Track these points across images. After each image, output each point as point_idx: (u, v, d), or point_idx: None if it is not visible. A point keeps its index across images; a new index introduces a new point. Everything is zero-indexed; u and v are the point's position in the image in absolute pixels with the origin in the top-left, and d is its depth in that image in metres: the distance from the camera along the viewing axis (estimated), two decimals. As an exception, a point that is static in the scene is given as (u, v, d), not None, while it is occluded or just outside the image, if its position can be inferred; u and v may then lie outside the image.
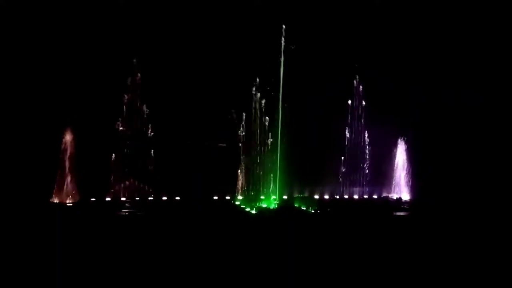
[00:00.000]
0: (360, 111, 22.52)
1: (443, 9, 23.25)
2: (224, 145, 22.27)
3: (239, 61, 22.40)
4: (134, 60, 21.68)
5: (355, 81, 22.68)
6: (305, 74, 22.60)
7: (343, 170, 22.04)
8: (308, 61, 22.65)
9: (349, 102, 22.60)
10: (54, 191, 19.91)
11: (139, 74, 21.79)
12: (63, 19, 21.92)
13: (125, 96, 21.59)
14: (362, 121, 22.48)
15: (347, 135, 22.45)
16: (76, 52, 21.65)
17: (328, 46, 23.04)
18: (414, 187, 21.10)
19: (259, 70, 22.36)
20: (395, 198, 21.07)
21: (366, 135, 22.29)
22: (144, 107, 21.73)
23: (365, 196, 21.30)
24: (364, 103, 22.44)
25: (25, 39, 21.51)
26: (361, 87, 22.62)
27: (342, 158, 22.17)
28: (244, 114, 21.98)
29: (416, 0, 23.49)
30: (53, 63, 21.48)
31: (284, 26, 22.23)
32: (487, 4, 22.98)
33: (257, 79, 22.09)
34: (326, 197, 21.12)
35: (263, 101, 22.00)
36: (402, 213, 19.20)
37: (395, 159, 21.26)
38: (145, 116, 21.73)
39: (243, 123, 21.94)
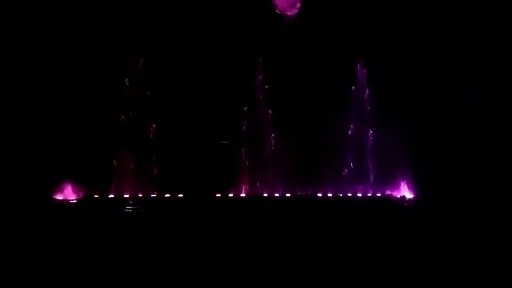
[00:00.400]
0: (363, 108, 22.53)
1: (443, 9, 23.33)
2: (227, 142, 22.29)
3: (238, 58, 22.46)
4: (130, 59, 21.67)
5: (358, 68, 22.69)
6: (305, 73, 22.71)
7: (346, 168, 22.07)
8: (308, 60, 22.77)
9: (353, 88, 22.59)
10: (57, 188, 19.88)
11: (139, 72, 21.81)
12: (62, 18, 21.92)
13: (126, 94, 21.59)
14: (366, 116, 22.51)
15: (350, 132, 22.49)
16: (76, 52, 21.67)
17: (328, 46, 23.07)
18: (417, 185, 21.10)
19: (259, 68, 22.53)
20: (398, 196, 21.09)
21: (370, 133, 22.26)
22: (146, 105, 21.73)
23: (369, 194, 21.32)
24: (367, 94, 22.39)
25: (25, 38, 21.50)
26: (364, 71, 22.62)
27: (345, 155, 22.19)
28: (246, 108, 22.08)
29: (416, 0, 23.57)
30: (54, 62, 21.48)
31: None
32: (487, 4, 23.06)
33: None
34: (330, 195, 21.15)
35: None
36: (404, 212, 19.26)
37: (397, 158, 21.19)
38: (147, 114, 21.75)
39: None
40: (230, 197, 20.69)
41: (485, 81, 22.99)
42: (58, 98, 21.53)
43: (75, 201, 19.48)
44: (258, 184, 21.52)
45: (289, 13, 23.03)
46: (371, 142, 22.44)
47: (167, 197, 20.49)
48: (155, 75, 21.97)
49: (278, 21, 23.17)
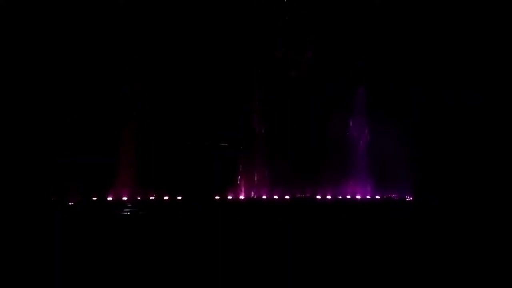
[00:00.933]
0: (362, 108, 22.48)
1: (443, 9, 23.25)
2: (226, 144, 22.21)
3: (238, 58, 22.42)
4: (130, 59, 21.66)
5: (358, 68, 22.65)
6: (304, 73, 22.67)
7: (345, 169, 22.00)
8: (308, 60, 22.75)
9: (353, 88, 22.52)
10: (56, 189, 19.86)
11: (139, 72, 21.79)
12: (62, 18, 21.84)
13: (126, 94, 21.56)
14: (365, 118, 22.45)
15: (349, 133, 22.41)
16: (76, 52, 21.58)
17: (328, 45, 23.03)
18: (417, 187, 21.06)
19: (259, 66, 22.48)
20: (398, 198, 21.06)
21: (369, 134, 22.18)
22: (146, 105, 21.73)
23: (368, 197, 21.27)
24: (367, 94, 22.37)
25: (25, 38, 21.41)
26: (364, 71, 22.58)
27: (344, 156, 22.11)
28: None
29: (416, 0, 23.49)
30: (54, 62, 21.40)
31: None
32: (487, 4, 22.97)
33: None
34: (329, 197, 21.12)
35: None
36: (405, 214, 19.25)
37: (397, 158, 21.12)
38: (146, 114, 21.75)
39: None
40: (229, 199, 20.66)
41: (485, 81, 22.88)
42: (58, 98, 21.45)
43: (72, 203, 19.44)
44: (253, 194, 21.46)
45: None
46: (370, 142, 22.36)
47: (165, 199, 20.45)
48: (155, 75, 21.95)
49: (278, 20, 23.08)
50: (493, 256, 12.08)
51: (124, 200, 20.13)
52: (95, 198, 20.00)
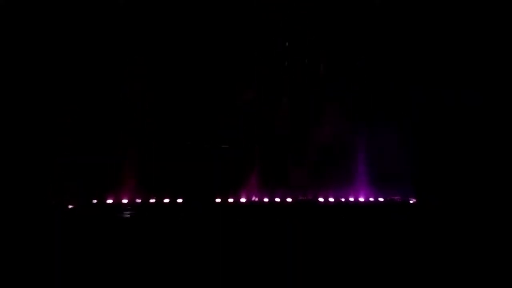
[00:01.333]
0: (362, 108, 22.43)
1: (443, 9, 23.24)
2: (227, 146, 22.16)
3: (237, 58, 22.39)
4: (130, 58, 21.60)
5: (358, 68, 22.61)
6: (305, 73, 22.66)
7: (346, 170, 21.96)
8: (308, 60, 22.73)
9: (353, 88, 22.48)
10: (55, 191, 19.80)
11: (139, 71, 21.73)
12: (62, 17, 21.75)
13: (126, 94, 21.52)
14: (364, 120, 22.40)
15: (349, 133, 22.34)
16: (76, 52, 21.48)
17: (327, 45, 23.01)
18: (418, 187, 21.07)
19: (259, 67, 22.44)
20: (401, 200, 21.05)
21: (369, 134, 22.13)
22: (146, 104, 21.69)
23: (371, 199, 21.25)
24: (366, 93, 22.34)
25: (25, 38, 21.30)
26: (364, 71, 22.55)
27: (345, 157, 22.07)
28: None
29: (416, 0, 23.48)
30: (54, 62, 21.33)
31: None
32: (487, 4, 22.97)
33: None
34: (331, 199, 21.09)
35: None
36: (407, 216, 19.27)
37: (398, 159, 21.11)
38: (147, 113, 21.72)
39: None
40: (230, 201, 20.62)
41: (485, 81, 22.90)
42: (58, 98, 21.39)
43: (72, 206, 19.38)
44: (254, 196, 21.40)
45: None
46: (370, 143, 22.31)
47: (166, 202, 20.40)
48: (155, 75, 21.90)
49: (278, 20, 23.03)
50: (495, 257, 12.11)
51: (124, 202, 20.05)
52: (95, 201, 19.91)
